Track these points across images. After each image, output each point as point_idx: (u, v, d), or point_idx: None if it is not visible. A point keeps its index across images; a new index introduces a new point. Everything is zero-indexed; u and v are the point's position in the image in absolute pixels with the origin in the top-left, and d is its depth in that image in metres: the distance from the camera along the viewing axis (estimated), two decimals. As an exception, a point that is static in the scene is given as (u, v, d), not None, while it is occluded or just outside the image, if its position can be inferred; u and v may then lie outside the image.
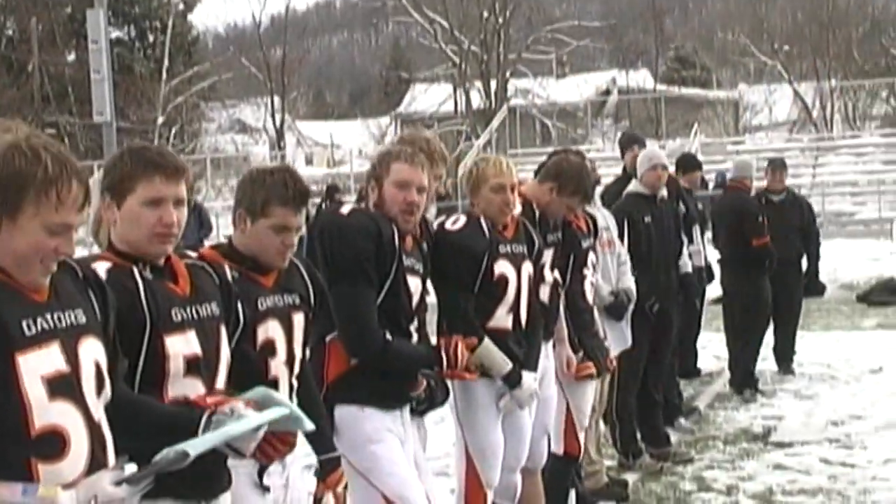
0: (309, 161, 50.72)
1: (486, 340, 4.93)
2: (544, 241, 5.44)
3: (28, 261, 2.53)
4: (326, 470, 3.93)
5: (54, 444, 2.51)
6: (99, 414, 2.64)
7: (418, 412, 4.72)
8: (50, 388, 2.51)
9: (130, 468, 2.60)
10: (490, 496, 5.12)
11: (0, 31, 43.99)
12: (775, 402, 10.06)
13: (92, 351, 2.65)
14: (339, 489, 3.95)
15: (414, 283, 4.44)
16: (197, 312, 3.16)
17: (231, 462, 3.42)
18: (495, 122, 36.10)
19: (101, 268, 2.97)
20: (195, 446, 2.78)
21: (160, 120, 41.18)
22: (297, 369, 3.77)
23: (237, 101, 49.62)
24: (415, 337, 4.42)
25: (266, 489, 3.64)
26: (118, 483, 2.56)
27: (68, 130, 40.59)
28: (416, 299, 4.47)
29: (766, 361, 11.07)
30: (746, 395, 10.08)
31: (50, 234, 2.52)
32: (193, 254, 3.39)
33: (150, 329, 3.02)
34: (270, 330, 3.66)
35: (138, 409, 2.89)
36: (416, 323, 4.47)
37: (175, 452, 2.74)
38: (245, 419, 2.97)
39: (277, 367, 3.68)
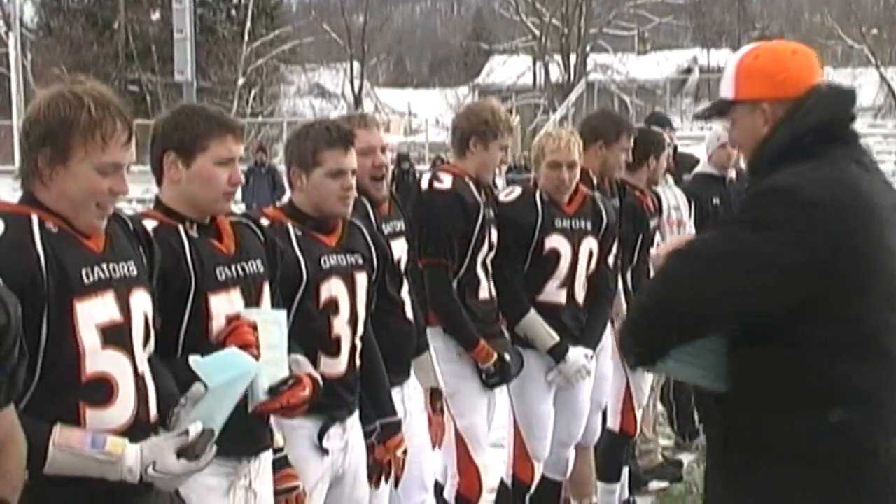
0: (386, 128, 50.82)
1: (532, 313, 4.94)
2: None
3: (84, 204, 2.59)
4: (387, 433, 3.94)
5: (102, 390, 2.58)
6: (143, 366, 2.70)
7: (489, 385, 4.73)
8: (103, 337, 2.57)
9: (195, 428, 2.62)
10: (539, 468, 5.14)
11: (87, -12, 44.56)
12: None
13: (142, 303, 2.71)
14: (399, 453, 3.97)
15: (398, 246, 4.31)
16: (242, 270, 3.19)
17: (291, 422, 3.49)
18: (573, 97, 35.89)
19: (148, 226, 3.00)
20: (220, 422, 2.76)
21: (240, 81, 41.48)
22: (360, 330, 3.79)
23: (317, 65, 49.79)
24: (407, 301, 4.32)
25: (325, 451, 3.67)
26: (180, 453, 2.58)
27: (150, 89, 41.03)
28: (404, 260, 4.37)
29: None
30: None
31: (102, 175, 2.58)
32: (238, 210, 3.41)
33: (195, 288, 3.06)
34: (333, 288, 3.68)
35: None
36: (406, 285, 4.34)
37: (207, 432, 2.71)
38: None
39: (340, 326, 3.70)
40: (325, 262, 3.67)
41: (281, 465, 3.46)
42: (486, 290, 4.84)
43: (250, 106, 41.60)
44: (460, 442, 4.79)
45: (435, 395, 4.52)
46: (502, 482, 5.25)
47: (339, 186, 3.66)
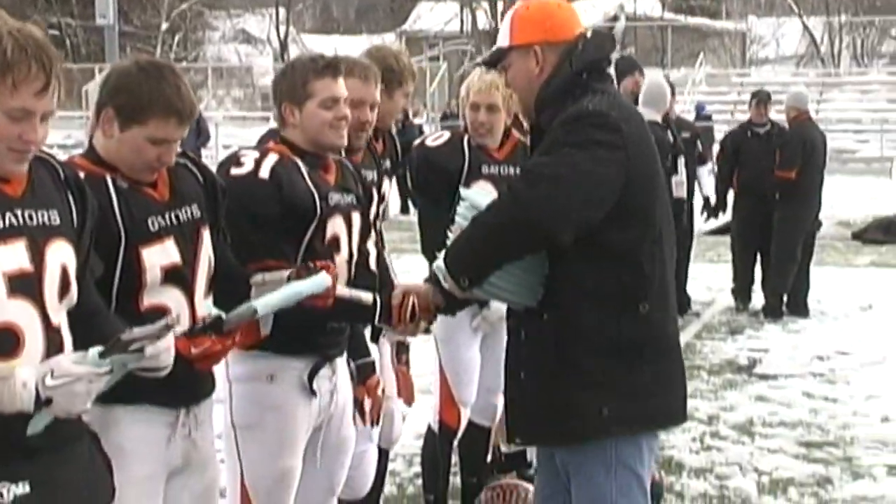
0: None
1: None
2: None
3: None
4: (364, 374, 3.94)
5: (7, 341, 2.45)
6: (59, 318, 2.57)
7: None
8: (10, 286, 2.45)
9: (94, 350, 2.48)
10: (465, 414, 5.13)
11: (4, -71, 43.44)
12: (762, 334, 10.12)
13: (60, 254, 2.58)
14: (379, 392, 3.98)
15: None
16: (176, 217, 3.09)
17: (281, 362, 3.50)
18: (500, 44, 35.78)
19: None
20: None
21: (164, 26, 40.85)
22: (353, 270, 3.77)
23: (242, 10, 49.12)
24: (372, 251, 4.31)
25: (313, 393, 3.64)
26: (78, 362, 2.44)
27: (70, 33, 40.26)
28: (371, 212, 4.35)
29: (755, 294, 11.12)
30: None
31: (11, 120, 2.44)
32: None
33: (126, 242, 2.96)
34: (336, 226, 3.65)
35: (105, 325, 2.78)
36: (373, 236, 4.35)
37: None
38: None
39: (341, 264, 3.65)
40: (330, 198, 3.63)
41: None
42: None
43: (174, 51, 41.00)
44: None
45: (401, 349, 4.52)
46: (429, 428, 5.24)
47: (333, 116, 3.60)
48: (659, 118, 7.88)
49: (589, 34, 3.43)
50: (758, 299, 11.06)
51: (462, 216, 3.36)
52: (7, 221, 2.47)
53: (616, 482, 3.32)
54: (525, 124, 5.39)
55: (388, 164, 4.77)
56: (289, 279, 3.26)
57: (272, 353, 3.51)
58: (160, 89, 2.97)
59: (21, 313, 2.47)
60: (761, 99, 11.25)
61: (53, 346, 2.53)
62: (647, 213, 3.30)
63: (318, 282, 3.24)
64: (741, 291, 11.16)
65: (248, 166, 3.48)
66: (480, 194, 3.48)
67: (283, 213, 3.47)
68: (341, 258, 3.66)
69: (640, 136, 3.31)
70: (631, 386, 3.29)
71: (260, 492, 3.60)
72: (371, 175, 4.37)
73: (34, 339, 2.49)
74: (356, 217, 3.76)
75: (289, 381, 3.59)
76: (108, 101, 3.01)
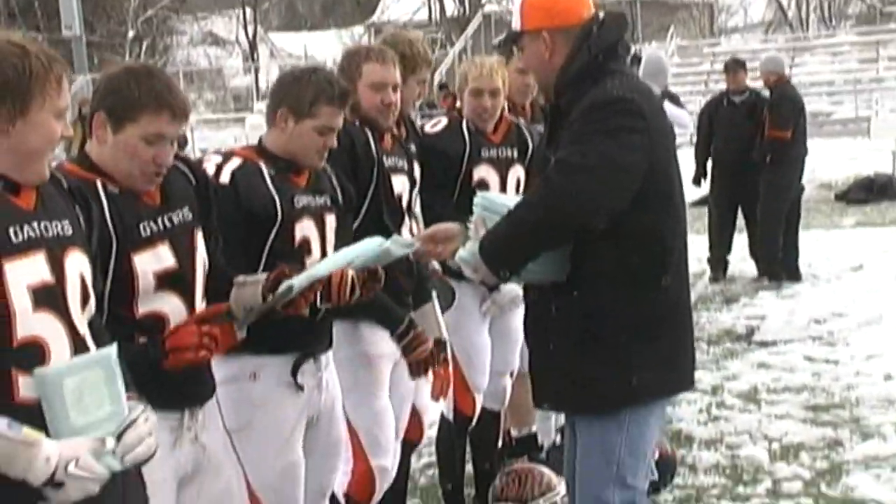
0: (283, 73, 50.16)
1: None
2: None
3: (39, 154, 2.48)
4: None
5: (34, 354, 2.42)
6: (84, 328, 2.55)
7: None
8: (35, 299, 2.42)
9: (110, 442, 2.45)
10: (479, 399, 5.12)
11: (-37, -54, 43.11)
12: (757, 301, 10.13)
13: (77, 264, 2.56)
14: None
15: (400, 182, 4.35)
16: (169, 221, 3.06)
17: (261, 359, 3.52)
18: (470, 30, 35.76)
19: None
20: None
21: (130, 34, 40.65)
22: None
23: (208, 13, 48.93)
24: (407, 237, 4.31)
25: (300, 388, 3.63)
26: (98, 455, 2.40)
27: (37, 47, 39.98)
28: (405, 198, 4.40)
29: (746, 262, 11.15)
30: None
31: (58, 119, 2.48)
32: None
33: (117, 248, 2.92)
34: (306, 228, 3.65)
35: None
36: (408, 222, 4.39)
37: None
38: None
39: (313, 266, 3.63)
40: (297, 201, 3.63)
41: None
42: None
43: (143, 58, 40.80)
44: None
45: (439, 347, 4.49)
46: (443, 417, 5.23)
47: (323, 143, 3.64)
48: (659, 92, 7.87)
49: (601, 16, 3.49)
50: (737, 268, 11.05)
51: (483, 212, 3.45)
52: (26, 234, 2.45)
53: (627, 440, 3.47)
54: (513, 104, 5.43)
55: (413, 147, 4.74)
56: (267, 280, 3.23)
57: (252, 354, 3.49)
58: (150, 85, 2.96)
59: (46, 326, 2.45)
60: (734, 67, 11.22)
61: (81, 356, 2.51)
62: (667, 193, 3.41)
63: (362, 249, 3.41)
64: (717, 262, 11.17)
65: (210, 171, 3.47)
66: (496, 196, 3.63)
67: (242, 217, 3.49)
68: (312, 260, 3.65)
69: (658, 116, 3.41)
70: (653, 357, 3.43)
71: (267, 491, 3.60)
72: (401, 162, 4.39)
73: (60, 352, 2.46)
74: (330, 219, 3.75)
75: (272, 378, 3.59)
76: (98, 106, 3.00)
